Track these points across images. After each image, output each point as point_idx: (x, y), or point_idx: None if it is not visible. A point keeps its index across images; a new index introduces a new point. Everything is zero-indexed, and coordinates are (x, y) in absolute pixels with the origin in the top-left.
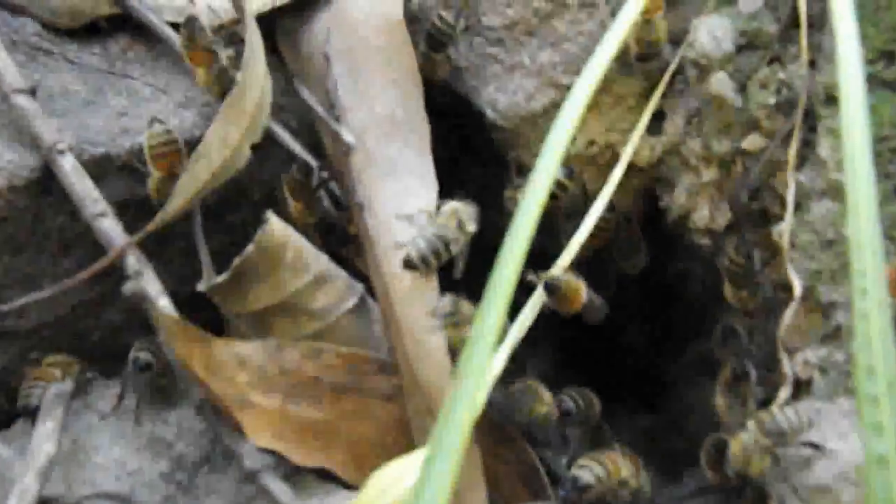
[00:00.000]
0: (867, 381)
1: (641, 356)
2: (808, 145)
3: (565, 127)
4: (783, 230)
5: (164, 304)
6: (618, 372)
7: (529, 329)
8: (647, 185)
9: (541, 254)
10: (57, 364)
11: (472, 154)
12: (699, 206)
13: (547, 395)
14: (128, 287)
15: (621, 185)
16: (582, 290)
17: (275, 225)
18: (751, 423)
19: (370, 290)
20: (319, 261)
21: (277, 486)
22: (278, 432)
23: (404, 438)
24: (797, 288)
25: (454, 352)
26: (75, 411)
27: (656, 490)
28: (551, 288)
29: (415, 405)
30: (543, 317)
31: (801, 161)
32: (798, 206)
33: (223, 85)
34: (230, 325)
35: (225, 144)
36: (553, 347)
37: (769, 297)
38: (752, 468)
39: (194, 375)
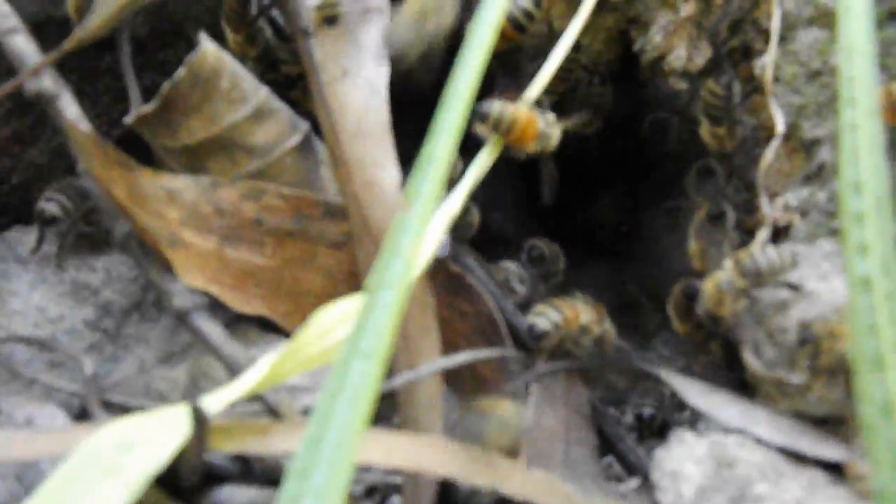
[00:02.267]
0: (853, 198)
1: (614, 214)
2: None
3: None
4: (766, 62)
5: (84, 126)
6: (590, 229)
7: (496, 181)
8: (620, 25)
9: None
10: None
11: None
12: (676, 46)
13: None
14: (31, 85)
15: (592, 26)
16: (533, 123)
17: (208, 49)
18: (728, 262)
19: (317, 130)
20: (259, 92)
21: (210, 328)
22: (214, 275)
23: (354, 289)
24: (779, 124)
25: None
26: None
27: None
28: (480, 115)
29: (365, 252)
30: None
31: None
32: (782, 38)
33: None
34: (161, 164)
35: None
36: (520, 204)
37: (748, 136)
38: (723, 308)
39: (116, 202)
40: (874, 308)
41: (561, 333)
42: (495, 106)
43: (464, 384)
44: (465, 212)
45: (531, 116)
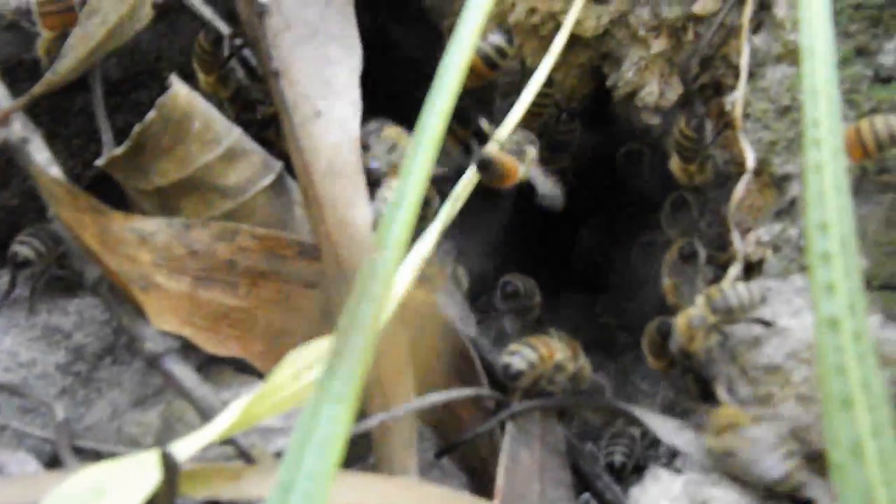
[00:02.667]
0: (819, 238)
1: (589, 250)
2: (764, 7)
3: None
4: (736, 98)
5: (54, 172)
6: (565, 266)
7: (474, 216)
8: (593, 62)
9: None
10: None
11: (402, 24)
12: (648, 82)
13: None
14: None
15: (564, 62)
16: (517, 168)
17: (179, 90)
18: (699, 299)
19: (290, 170)
20: (231, 133)
21: (183, 372)
22: (187, 318)
23: (328, 329)
24: (750, 160)
25: None
26: None
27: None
28: (483, 164)
29: (338, 291)
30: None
31: (757, 25)
32: (752, 74)
33: None
34: (134, 206)
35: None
36: (498, 238)
37: (719, 172)
38: (695, 344)
39: (87, 248)
40: (842, 348)
41: (536, 372)
42: (498, 155)
43: (439, 422)
44: (454, 270)
45: (514, 161)
